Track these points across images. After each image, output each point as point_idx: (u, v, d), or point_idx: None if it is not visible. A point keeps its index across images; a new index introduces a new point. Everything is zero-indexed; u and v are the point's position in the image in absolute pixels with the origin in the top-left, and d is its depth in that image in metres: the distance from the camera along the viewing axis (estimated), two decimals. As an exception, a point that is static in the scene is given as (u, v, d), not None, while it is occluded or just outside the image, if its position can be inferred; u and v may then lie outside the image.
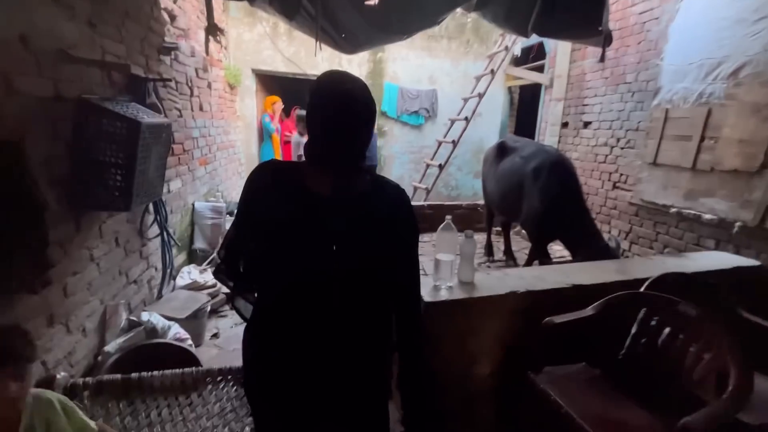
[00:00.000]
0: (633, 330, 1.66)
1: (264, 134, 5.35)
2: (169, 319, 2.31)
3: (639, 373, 1.55)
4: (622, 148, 3.65)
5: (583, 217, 2.83)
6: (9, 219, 1.31)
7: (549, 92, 4.82)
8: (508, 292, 1.88)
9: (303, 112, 4.44)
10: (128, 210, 1.82)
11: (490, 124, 6.30)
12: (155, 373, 1.59)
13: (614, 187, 3.77)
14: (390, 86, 5.84)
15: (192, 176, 3.44)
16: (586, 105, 4.15)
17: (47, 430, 1.03)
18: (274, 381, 0.95)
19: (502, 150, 3.62)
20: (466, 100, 5.54)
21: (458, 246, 1.97)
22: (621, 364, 1.64)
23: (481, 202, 5.41)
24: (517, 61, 5.76)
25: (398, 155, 6.18)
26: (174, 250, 2.92)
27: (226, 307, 3.05)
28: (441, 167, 5.24)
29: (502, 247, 4.36)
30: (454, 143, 5.17)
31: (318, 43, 2.95)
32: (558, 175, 2.94)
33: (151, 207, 2.53)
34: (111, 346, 1.99)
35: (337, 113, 0.85)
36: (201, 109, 3.75)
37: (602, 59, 2.90)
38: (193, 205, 3.42)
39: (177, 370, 1.62)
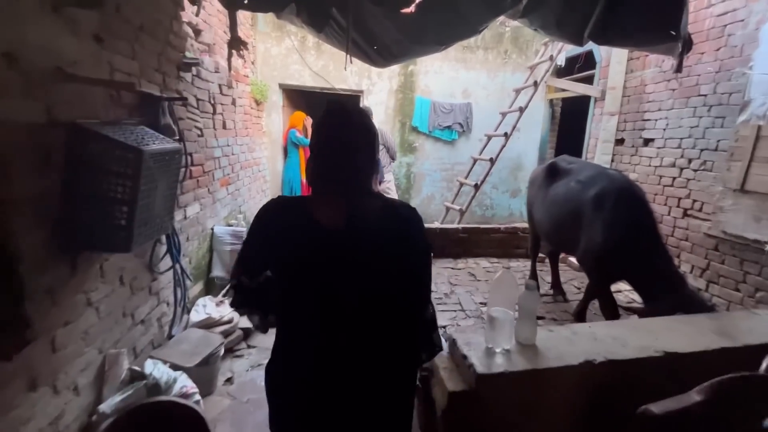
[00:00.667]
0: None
1: (289, 148, 5.15)
2: (177, 368, 2.04)
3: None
4: (696, 170, 3.15)
5: (660, 256, 2.36)
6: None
7: (600, 105, 4.36)
8: (582, 361, 1.48)
9: None
10: (128, 251, 1.56)
11: (529, 140, 5.85)
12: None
13: (685, 215, 3.26)
14: (421, 100, 5.53)
15: (212, 198, 3.22)
16: (648, 120, 3.67)
17: None
18: (297, 416, 0.97)
19: (553, 172, 3.20)
20: (504, 114, 5.15)
21: (516, 298, 1.60)
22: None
23: (521, 224, 4.97)
24: (560, 72, 5.33)
25: (429, 173, 5.83)
26: (189, 281, 2.67)
27: (243, 346, 2.77)
28: (477, 187, 4.84)
29: (549, 278, 3.90)
30: (492, 161, 4.78)
31: (348, 56, 2.67)
32: (626, 204, 2.50)
33: (163, 237, 2.29)
34: (107, 405, 1.72)
35: (335, 131, 0.90)
36: (224, 126, 3.56)
37: (679, 69, 2.46)
38: (212, 230, 3.19)
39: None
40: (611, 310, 2.60)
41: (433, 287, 3.72)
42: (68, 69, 1.51)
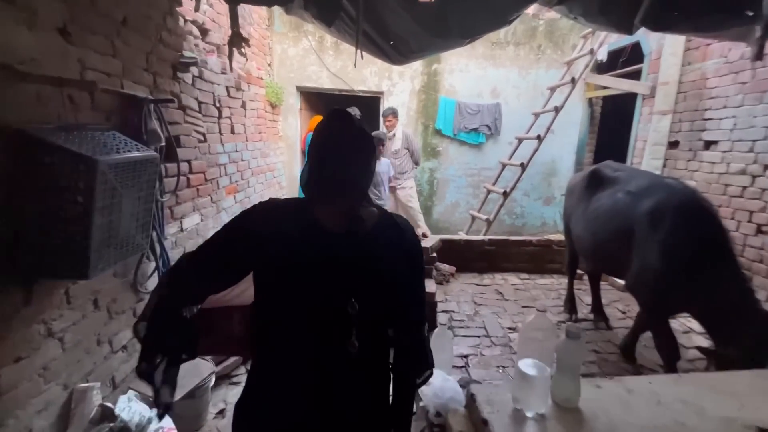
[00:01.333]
0: None
1: (307, 153, 4.94)
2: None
3: None
4: (774, 179, 2.63)
5: (736, 286, 1.91)
6: None
7: (648, 104, 3.85)
8: (648, 439, 1.10)
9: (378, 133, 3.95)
10: (86, 278, 1.33)
11: (564, 143, 5.36)
12: None
13: (759, 231, 2.73)
14: (446, 101, 5.17)
15: (216, 208, 3.02)
16: (709, 120, 3.15)
17: None
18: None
19: (596, 180, 2.77)
20: (537, 115, 4.71)
21: (554, 347, 1.25)
22: None
23: (555, 236, 4.50)
24: (600, 68, 4.82)
25: (453, 179, 5.45)
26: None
27: (241, 371, 2.52)
28: (506, 194, 4.43)
29: (588, 299, 3.44)
30: (523, 166, 4.35)
31: (359, 50, 2.38)
32: (691, 220, 2.06)
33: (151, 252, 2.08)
34: (69, 451, 1.51)
35: (338, 136, 0.87)
36: (233, 131, 3.36)
37: (758, 57, 2.00)
38: (215, 241, 2.98)
39: None
40: (670, 350, 2.15)
41: (455, 307, 3.38)
42: (20, 67, 1.30)
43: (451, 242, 4.08)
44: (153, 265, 2.11)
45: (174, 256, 2.24)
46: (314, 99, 5.59)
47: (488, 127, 5.22)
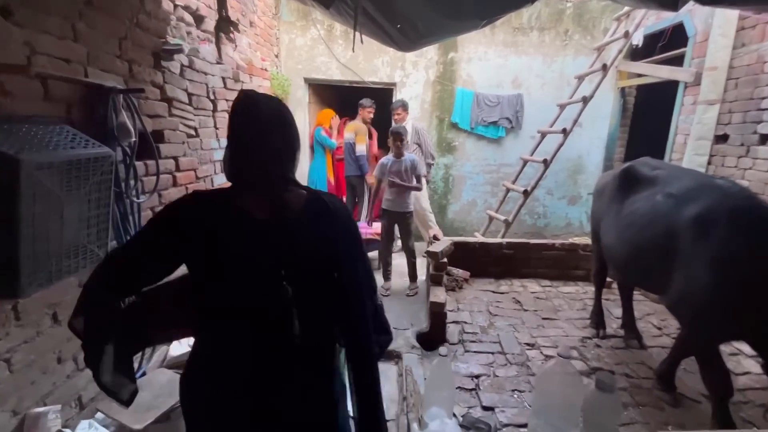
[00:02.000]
0: None
1: (315, 147, 4.72)
2: (124, 429, 1.62)
3: None
4: None
5: None
6: None
7: (692, 93, 3.41)
8: None
9: (397, 128, 3.58)
10: (18, 297, 1.14)
11: (593, 137, 4.92)
12: None
13: (829, 241, 2.30)
14: (463, 92, 4.83)
15: (210, 208, 2.83)
16: (766, 110, 2.72)
17: None
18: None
19: (630, 179, 2.41)
20: (562, 106, 4.31)
21: (579, 401, 0.98)
22: None
23: (581, 240, 4.12)
24: (634, 54, 4.36)
25: (470, 175, 5.11)
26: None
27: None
28: (526, 193, 4.07)
29: (616, 312, 3.07)
30: (546, 163, 3.98)
31: (357, 32, 2.11)
32: (748, 230, 1.71)
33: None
34: (14, 487, 1.33)
35: (245, 118, 0.86)
36: (230, 125, 3.16)
37: None
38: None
39: None
40: (722, 384, 1.80)
41: (467, 317, 3.09)
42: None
43: (465, 245, 3.77)
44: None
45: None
46: (324, 91, 5.35)
47: (509, 120, 4.84)
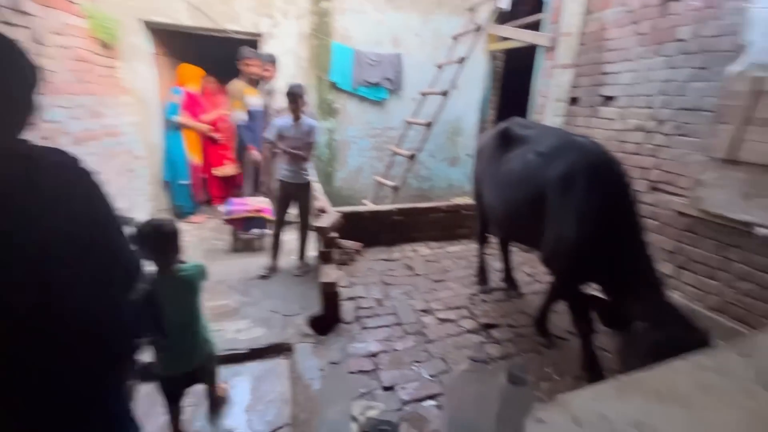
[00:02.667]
0: None
1: (166, 116, 3.86)
2: None
3: None
4: (668, 135, 2.61)
5: (639, 256, 1.77)
6: None
7: (550, 57, 3.68)
8: None
9: (295, 86, 2.93)
10: None
11: (469, 99, 5.11)
12: None
13: (652, 188, 2.75)
14: (341, 49, 4.44)
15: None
16: (608, 74, 3.06)
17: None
18: None
19: (505, 139, 2.46)
20: (441, 67, 4.29)
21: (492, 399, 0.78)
22: None
23: (462, 200, 4.31)
24: (503, 18, 4.55)
25: (355, 140, 4.87)
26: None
27: None
28: (412, 157, 4.02)
29: (498, 266, 3.30)
30: (430, 125, 3.95)
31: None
32: (603, 186, 1.85)
33: None
34: None
35: None
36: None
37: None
38: None
39: None
40: (586, 326, 2.00)
41: (362, 291, 2.94)
42: None
43: (355, 215, 3.58)
44: None
45: None
46: (175, 41, 4.35)
47: (390, 80, 4.67)
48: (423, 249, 3.74)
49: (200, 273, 1.64)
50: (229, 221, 3.54)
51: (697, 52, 2.40)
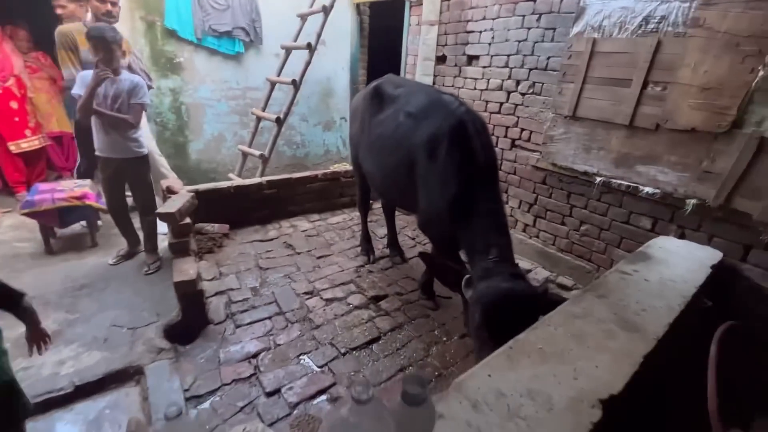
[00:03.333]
0: None
1: None
2: None
3: None
4: (524, 94, 2.77)
5: (494, 219, 1.71)
6: None
7: (416, 13, 3.56)
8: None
9: (98, 26, 2.13)
10: None
11: (338, 57, 4.76)
12: None
13: (513, 146, 2.94)
14: (176, -14, 3.55)
15: None
16: (471, 32, 3.08)
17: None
18: None
19: (377, 98, 2.27)
20: (303, 17, 3.81)
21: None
22: None
23: (341, 166, 4.08)
24: (366, -32, 4.24)
25: (210, 103, 4.10)
26: None
27: None
28: (279, 121, 3.55)
29: (380, 232, 3.22)
30: (295, 84, 3.51)
31: None
32: (467, 149, 1.76)
33: None
34: None
35: None
36: None
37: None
38: None
39: None
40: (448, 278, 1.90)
41: (233, 282, 2.51)
42: None
43: (215, 192, 3.02)
44: None
45: None
46: None
47: (244, 30, 3.98)
48: (303, 223, 3.43)
49: None
50: (33, 215, 2.61)
51: (545, 12, 2.53)
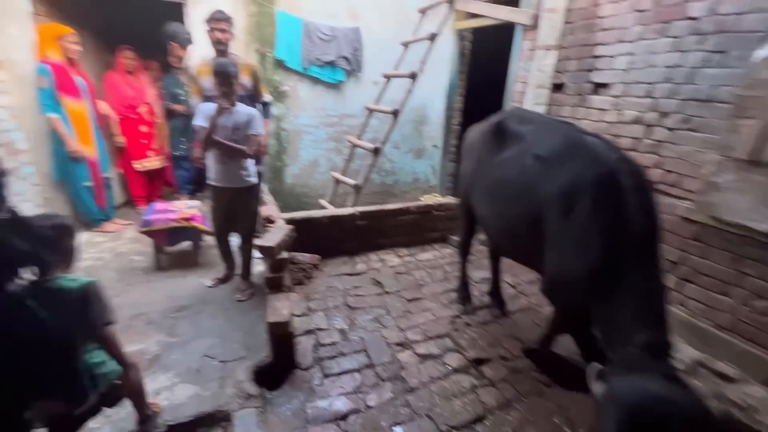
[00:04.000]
0: None
1: (40, 95, 2.97)
2: None
3: None
4: (673, 129, 2.29)
5: (649, 300, 1.31)
6: None
7: (530, 37, 3.25)
8: None
9: (222, 62, 2.22)
10: None
11: (435, 85, 4.61)
12: None
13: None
14: (287, 18, 3.72)
15: None
16: (600, 57, 2.68)
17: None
18: None
19: (499, 134, 1.99)
20: (407, 45, 3.73)
21: None
22: None
23: (430, 198, 3.86)
24: (472, -8, 4.05)
25: (308, 129, 4.20)
26: None
27: None
28: (377, 151, 3.46)
29: (476, 276, 2.88)
30: (396, 114, 3.40)
31: None
32: (618, 209, 1.38)
33: None
34: None
35: None
36: None
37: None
38: None
39: None
40: (597, 353, 1.55)
41: (322, 321, 2.31)
42: None
43: (311, 222, 2.98)
44: None
45: None
46: (62, 1, 3.38)
47: (347, 59, 4.04)
48: (391, 258, 3.24)
49: (84, 290, 1.22)
50: (148, 233, 2.78)
51: (712, 32, 2.05)
